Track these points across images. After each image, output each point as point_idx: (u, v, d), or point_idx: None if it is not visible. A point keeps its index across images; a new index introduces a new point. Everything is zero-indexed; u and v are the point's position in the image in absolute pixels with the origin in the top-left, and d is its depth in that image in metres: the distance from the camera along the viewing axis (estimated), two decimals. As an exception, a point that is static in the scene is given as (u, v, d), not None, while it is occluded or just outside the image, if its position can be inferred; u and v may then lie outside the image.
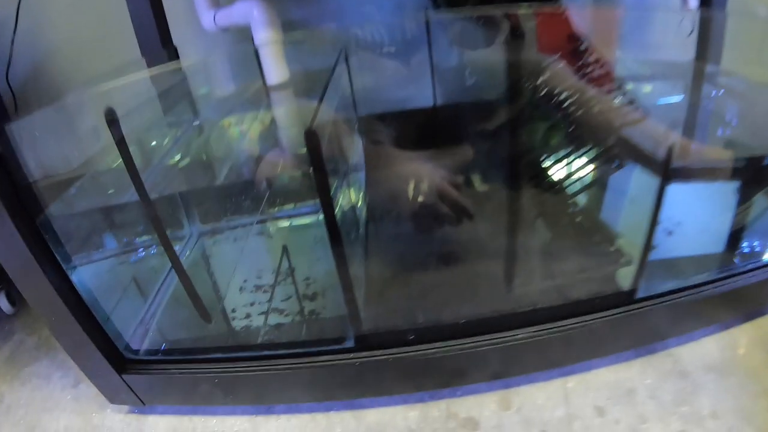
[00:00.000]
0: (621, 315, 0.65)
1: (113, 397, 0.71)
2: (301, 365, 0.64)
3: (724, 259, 0.79)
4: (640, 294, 0.66)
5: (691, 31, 1.11)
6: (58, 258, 0.60)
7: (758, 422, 0.62)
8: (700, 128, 1.02)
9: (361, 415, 0.67)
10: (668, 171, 0.66)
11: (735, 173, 0.87)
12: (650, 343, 0.72)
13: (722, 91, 1.06)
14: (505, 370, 0.67)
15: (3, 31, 1.12)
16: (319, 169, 0.49)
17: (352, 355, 0.63)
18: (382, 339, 0.64)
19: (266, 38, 0.74)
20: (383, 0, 0.99)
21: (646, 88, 1.07)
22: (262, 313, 0.73)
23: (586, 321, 0.65)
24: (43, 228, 0.58)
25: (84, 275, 0.64)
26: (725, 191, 0.90)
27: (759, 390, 0.66)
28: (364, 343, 0.64)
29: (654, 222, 0.62)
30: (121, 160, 0.57)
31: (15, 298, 0.97)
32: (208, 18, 0.86)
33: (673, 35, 1.09)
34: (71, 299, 0.62)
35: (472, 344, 0.63)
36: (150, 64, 0.84)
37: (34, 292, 0.61)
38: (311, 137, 0.46)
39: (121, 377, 0.66)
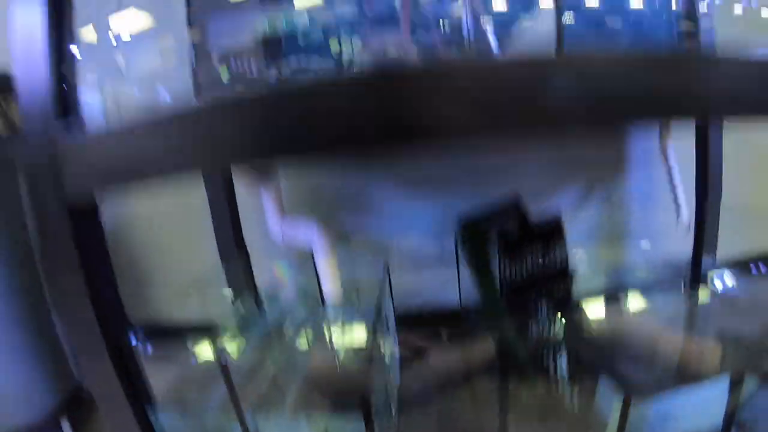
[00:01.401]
0: None
1: None
2: None
3: None
4: None
5: (689, 228, 1.29)
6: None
7: None
8: (695, 319, 1.16)
9: None
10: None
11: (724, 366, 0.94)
12: None
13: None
14: None
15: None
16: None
17: None
18: None
19: (324, 261, 0.93)
20: (420, 217, 1.21)
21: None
22: None
23: None
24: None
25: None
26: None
27: None
28: None
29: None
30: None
31: (77, 427, 1.07)
32: (275, 228, 1.05)
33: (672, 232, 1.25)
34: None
35: None
36: (227, 271, 1.05)
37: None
38: (364, 404, 0.64)
39: None
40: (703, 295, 1.18)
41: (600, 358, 0.89)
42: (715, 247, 1.28)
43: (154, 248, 1.33)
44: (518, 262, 0.92)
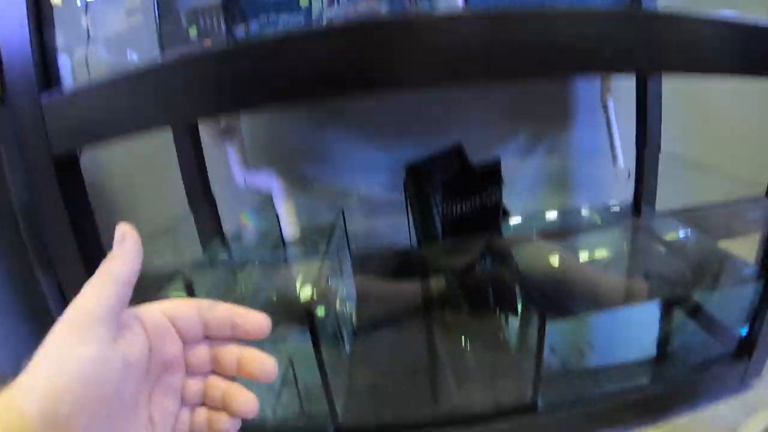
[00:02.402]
0: (523, 422, 0.87)
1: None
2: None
3: (627, 374, 0.96)
4: (540, 406, 0.87)
5: (629, 176, 1.38)
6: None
7: None
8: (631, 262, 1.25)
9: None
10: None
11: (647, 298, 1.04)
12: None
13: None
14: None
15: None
16: (314, 334, 0.75)
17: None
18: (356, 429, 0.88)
19: (283, 207, 1.02)
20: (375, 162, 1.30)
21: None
22: (272, 406, 0.95)
23: (495, 425, 0.86)
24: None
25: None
26: (638, 314, 1.06)
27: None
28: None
29: (540, 356, 0.84)
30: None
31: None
32: (240, 177, 1.13)
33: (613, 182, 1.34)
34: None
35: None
36: (196, 217, 1.13)
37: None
38: (308, 314, 0.73)
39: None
40: (640, 238, 1.28)
41: (524, 285, 0.99)
42: (654, 195, 1.36)
43: (126, 201, 1.41)
44: (457, 200, 1.01)
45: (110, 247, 0.42)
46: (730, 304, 1.04)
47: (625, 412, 0.91)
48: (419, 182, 1.04)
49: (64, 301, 0.90)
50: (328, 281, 0.92)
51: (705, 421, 0.92)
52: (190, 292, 0.87)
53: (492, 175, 1.02)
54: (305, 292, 0.78)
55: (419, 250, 1.11)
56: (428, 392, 0.97)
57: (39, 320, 1.12)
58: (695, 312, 1.07)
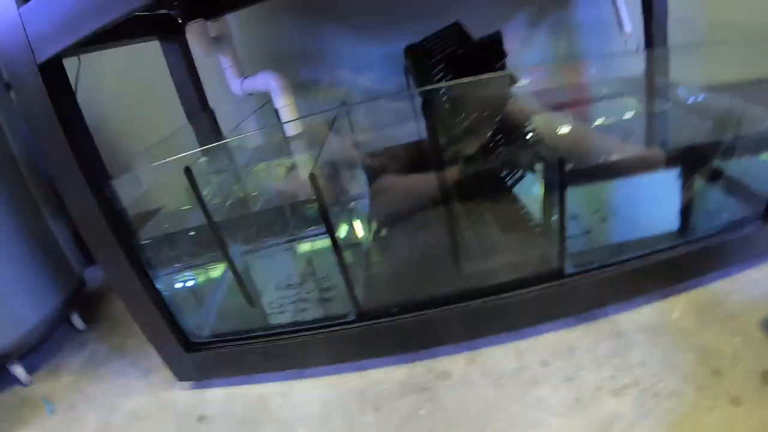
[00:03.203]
0: (551, 288, 0.83)
1: (181, 374, 0.91)
2: (319, 335, 0.85)
3: (654, 238, 0.93)
4: (567, 270, 0.84)
5: (637, 49, 1.31)
6: (147, 269, 0.83)
7: (683, 371, 0.73)
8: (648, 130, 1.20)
9: (364, 374, 0.87)
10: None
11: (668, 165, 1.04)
12: (588, 311, 0.87)
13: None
14: (471, 334, 0.86)
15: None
16: (320, 198, 0.72)
17: (353, 325, 0.84)
18: (375, 313, 0.85)
19: (282, 102, 0.98)
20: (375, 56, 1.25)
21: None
22: (293, 302, 0.95)
23: (522, 293, 0.83)
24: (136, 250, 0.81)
25: (164, 282, 0.87)
26: (661, 181, 1.05)
27: (687, 346, 0.77)
28: (362, 317, 0.85)
29: (563, 212, 0.80)
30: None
31: (86, 317, 1.20)
32: (236, 85, 1.10)
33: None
34: (156, 299, 0.83)
35: (444, 312, 0.83)
36: (195, 127, 1.10)
37: (131, 296, 0.83)
38: (313, 179, 0.70)
39: (189, 355, 0.87)
40: (656, 105, 1.24)
41: (541, 150, 0.95)
42: (666, 66, 1.28)
43: (127, 130, 1.40)
44: (460, 75, 0.96)
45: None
46: (758, 166, 1.01)
47: (656, 274, 0.87)
48: (420, 61, 0.99)
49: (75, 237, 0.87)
50: (336, 170, 0.89)
51: (739, 287, 0.89)
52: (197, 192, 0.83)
53: (494, 47, 0.97)
54: (309, 167, 0.75)
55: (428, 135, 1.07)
56: (453, 269, 0.95)
57: (53, 261, 1.11)
58: (720, 176, 1.02)
